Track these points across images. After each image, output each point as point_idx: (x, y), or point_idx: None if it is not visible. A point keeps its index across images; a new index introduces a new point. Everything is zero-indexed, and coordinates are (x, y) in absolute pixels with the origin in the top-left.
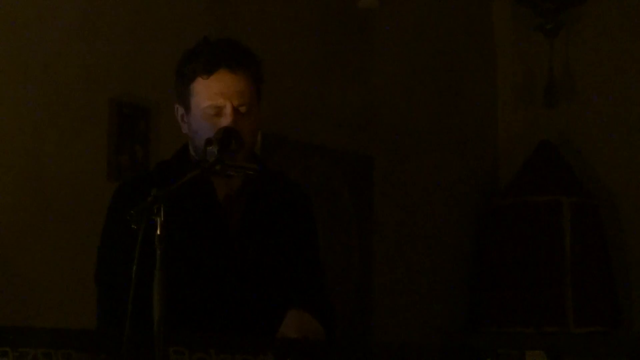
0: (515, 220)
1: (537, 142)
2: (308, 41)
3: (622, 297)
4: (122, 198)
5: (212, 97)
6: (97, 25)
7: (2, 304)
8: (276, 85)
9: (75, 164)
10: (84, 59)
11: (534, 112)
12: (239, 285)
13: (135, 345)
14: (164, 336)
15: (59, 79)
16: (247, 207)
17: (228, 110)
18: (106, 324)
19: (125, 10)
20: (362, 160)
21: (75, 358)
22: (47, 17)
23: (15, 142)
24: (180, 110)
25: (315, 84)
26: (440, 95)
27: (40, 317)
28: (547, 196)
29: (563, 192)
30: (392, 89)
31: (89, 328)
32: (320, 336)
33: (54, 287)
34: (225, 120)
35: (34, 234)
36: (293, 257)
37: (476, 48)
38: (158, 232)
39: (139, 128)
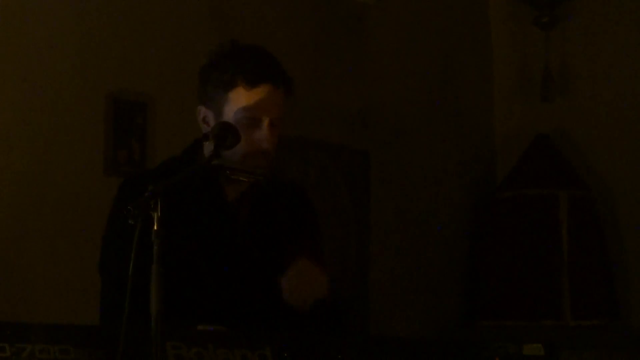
0: (512, 213)
1: (534, 135)
2: (304, 36)
3: (619, 290)
4: (128, 191)
5: (252, 109)
6: (94, 21)
7: None
8: None
9: (73, 160)
10: (81, 54)
11: (530, 105)
12: (246, 282)
13: (132, 340)
14: (162, 331)
15: (56, 74)
16: (253, 208)
17: (265, 124)
18: (109, 314)
19: (122, 5)
20: (359, 155)
21: (72, 354)
22: (43, 12)
23: (12, 139)
24: (205, 113)
25: (312, 79)
26: (437, 89)
27: (38, 313)
28: (543, 189)
29: (560, 185)
30: (388, 83)
31: (86, 324)
32: (322, 285)
33: (52, 282)
34: (261, 134)
35: (31, 230)
36: (298, 254)
37: (472, 42)
38: (155, 227)
39: (136, 123)
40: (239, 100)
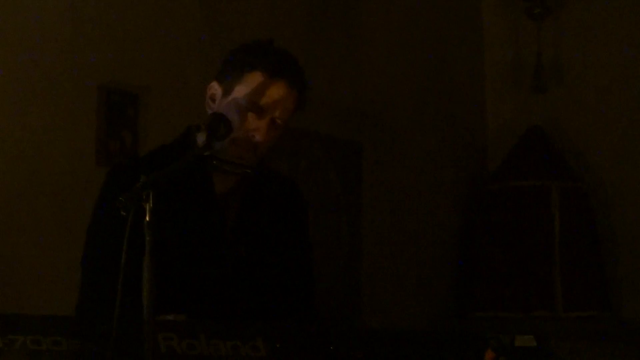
0: (504, 205)
1: (526, 127)
2: (296, 26)
3: (611, 282)
4: (115, 181)
5: (262, 98)
6: (86, 12)
7: None
8: None
9: (65, 151)
10: (72, 45)
11: (522, 97)
12: (231, 279)
13: (124, 331)
14: (154, 323)
15: (47, 65)
16: (243, 203)
17: (267, 117)
18: (86, 308)
19: None
20: (351, 146)
21: (64, 345)
22: (35, 3)
23: (4, 130)
24: (215, 89)
25: (304, 70)
26: (429, 80)
27: (30, 305)
28: (536, 181)
29: (552, 177)
30: (381, 75)
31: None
32: None
33: (44, 273)
34: (258, 125)
35: (23, 221)
36: (285, 256)
37: (464, 33)
38: (147, 218)
39: (128, 114)
40: (253, 84)
